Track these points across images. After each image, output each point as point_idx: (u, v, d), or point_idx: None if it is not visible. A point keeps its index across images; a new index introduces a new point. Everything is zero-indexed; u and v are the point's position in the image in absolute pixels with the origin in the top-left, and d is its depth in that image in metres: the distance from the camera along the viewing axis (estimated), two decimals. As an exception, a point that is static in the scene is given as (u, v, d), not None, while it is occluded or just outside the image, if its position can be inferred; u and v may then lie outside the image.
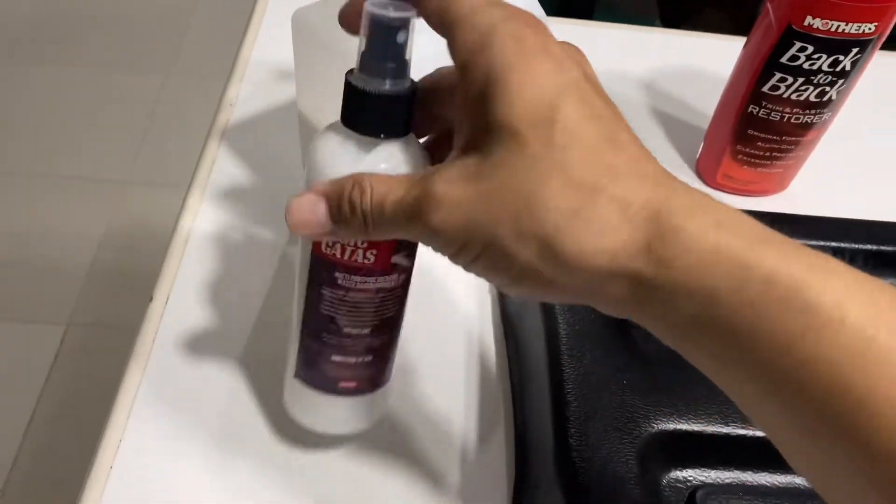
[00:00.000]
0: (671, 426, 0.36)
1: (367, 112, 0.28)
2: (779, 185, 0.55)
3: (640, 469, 0.35)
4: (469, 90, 0.25)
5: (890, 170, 0.59)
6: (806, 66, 0.47)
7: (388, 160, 0.29)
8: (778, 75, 0.48)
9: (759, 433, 0.25)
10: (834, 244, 0.46)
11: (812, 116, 0.50)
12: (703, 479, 0.37)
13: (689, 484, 0.36)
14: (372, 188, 0.27)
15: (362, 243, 0.30)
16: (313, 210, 0.28)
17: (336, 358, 0.34)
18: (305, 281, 0.32)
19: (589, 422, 0.36)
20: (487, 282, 0.27)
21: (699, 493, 0.33)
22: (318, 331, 0.33)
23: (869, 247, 0.46)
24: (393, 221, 0.27)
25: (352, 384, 0.35)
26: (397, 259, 0.31)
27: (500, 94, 0.24)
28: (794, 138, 0.51)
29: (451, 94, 0.28)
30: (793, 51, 0.47)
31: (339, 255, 0.31)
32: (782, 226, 0.24)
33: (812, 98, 0.49)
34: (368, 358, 0.34)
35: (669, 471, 0.36)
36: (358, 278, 0.31)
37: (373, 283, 0.31)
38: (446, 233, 0.25)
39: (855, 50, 0.46)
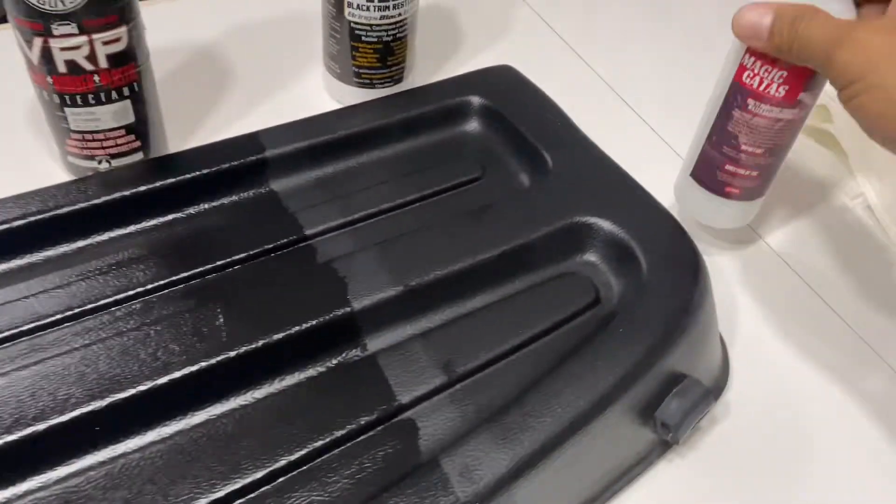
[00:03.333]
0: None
1: None
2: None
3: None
4: None
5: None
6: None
7: (841, 3, 0.36)
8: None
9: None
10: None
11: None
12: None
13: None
14: (813, 19, 0.33)
15: (779, 77, 0.37)
16: (760, 20, 0.35)
17: (729, 167, 0.42)
18: (720, 102, 0.41)
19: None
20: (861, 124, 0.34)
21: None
22: (720, 143, 0.42)
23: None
24: (811, 49, 0.33)
25: (736, 191, 0.43)
26: (803, 97, 0.38)
27: None
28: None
29: None
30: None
31: (755, 86, 0.38)
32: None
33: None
34: (755, 173, 0.42)
35: None
36: (766, 107, 0.39)
37: (777, 112, 0.39)
38: (844, 67, 0.32)
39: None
